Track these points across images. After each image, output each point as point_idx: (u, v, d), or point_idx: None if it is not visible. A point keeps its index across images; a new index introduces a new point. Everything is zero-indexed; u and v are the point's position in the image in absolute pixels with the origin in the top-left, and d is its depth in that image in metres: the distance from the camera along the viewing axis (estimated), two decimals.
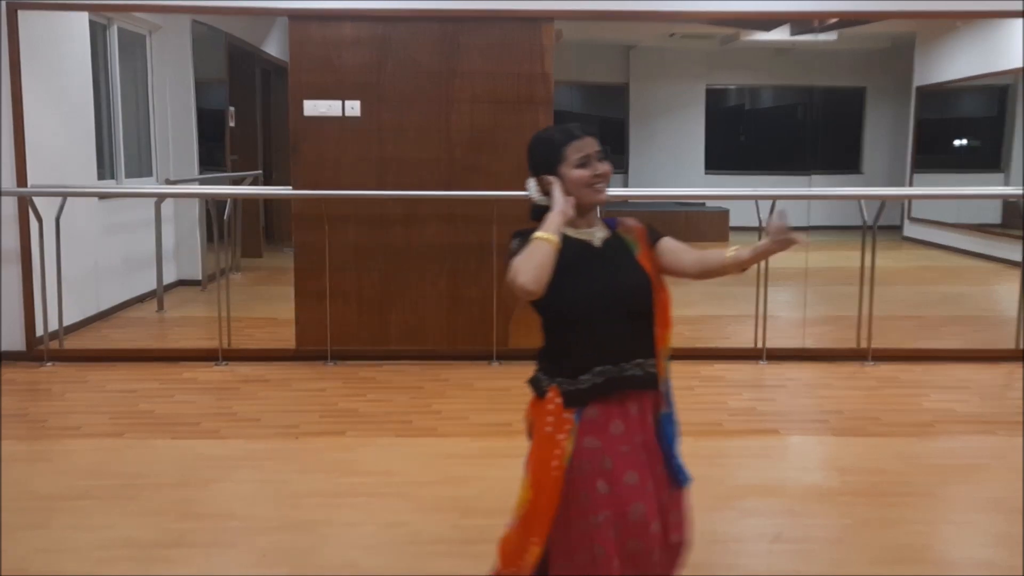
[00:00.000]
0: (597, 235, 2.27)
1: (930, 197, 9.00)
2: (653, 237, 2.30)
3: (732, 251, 2.21)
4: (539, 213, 2.23)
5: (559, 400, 2.20)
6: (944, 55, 10.95)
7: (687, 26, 11.08)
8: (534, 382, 2.28)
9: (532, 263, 2.08)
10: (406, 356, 5.71)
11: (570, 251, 2.18)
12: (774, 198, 5.87)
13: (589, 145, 2.22)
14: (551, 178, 2.22)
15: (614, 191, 9.00)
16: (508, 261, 2.16)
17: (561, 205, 2.18)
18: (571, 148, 2.21)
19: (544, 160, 2.25)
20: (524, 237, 2.17)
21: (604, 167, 2.23)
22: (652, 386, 2.23)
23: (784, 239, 2.09)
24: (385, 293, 5.74)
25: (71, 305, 6.07)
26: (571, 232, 2.23)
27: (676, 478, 2.26)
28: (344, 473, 3.90)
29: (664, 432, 2.26)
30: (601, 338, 2.18)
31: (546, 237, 2.11)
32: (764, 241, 2.14)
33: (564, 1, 5.63)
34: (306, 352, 5.71)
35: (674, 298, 2.28)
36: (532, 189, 2.28)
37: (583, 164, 2.21)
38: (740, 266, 2.20)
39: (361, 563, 3.10)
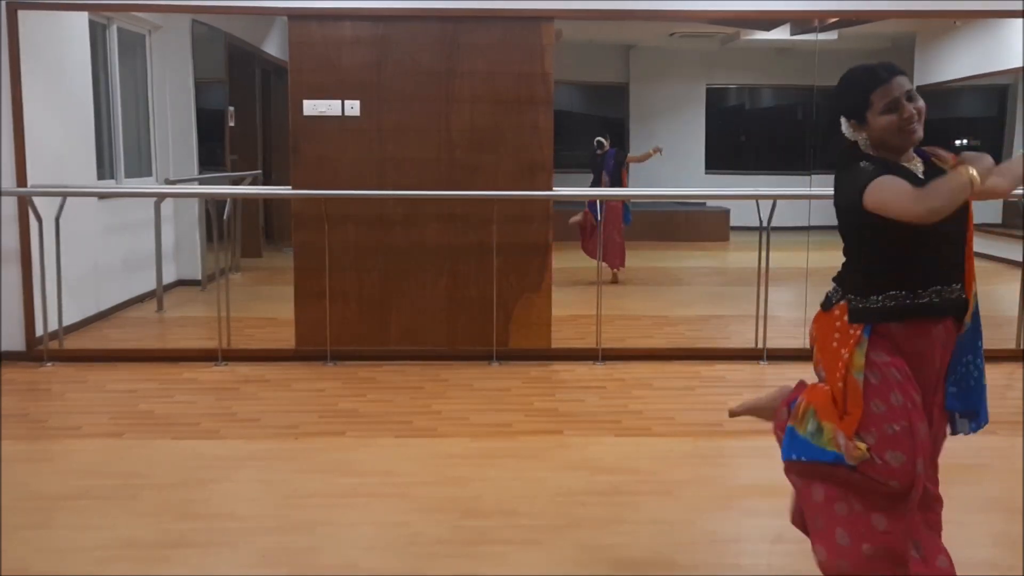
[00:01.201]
0: (918, 167, 2.25)
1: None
2: None
3: None
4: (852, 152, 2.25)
5: (844, 317, 2.23)
6: (944, 55, 10.94)
7: (687, 26, 11.08)
8: (828, 296, 2.31)
9: (950, 200, 1.98)
10: (406, 356, 5.71)
11: (905, 179, 2.16)
12: (774, 198, 5.86)
13: (896, 88, 2.17)
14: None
15: (614, 192, 9.00)
16: (862, 182, 2.11)
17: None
18: (876, 95, 2.17)
19: (851, 105, 2.22)
20: (872, 161, 2.17)
21: (913, 107, 2.18)
22: (948, 314, 2.22)
23: None
24: (385, 293, 5.74)
25: (71, 305, 6.07)
26: (902, 162, 2.23)
27: (949, 406, 2.29)
28: (344, 473, 3.90)
29: (954, 358, 2.25)
30: (904, 262, 2.17)
31: (974, 179, 2.00)
32: None
33: (564, 1, 5.63)
34: (306, 352, 5.71)
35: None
36: (845, 127, 2.28)
37: (890, 109, 2.16)
38: None
39: (361, 563, 3.10)
